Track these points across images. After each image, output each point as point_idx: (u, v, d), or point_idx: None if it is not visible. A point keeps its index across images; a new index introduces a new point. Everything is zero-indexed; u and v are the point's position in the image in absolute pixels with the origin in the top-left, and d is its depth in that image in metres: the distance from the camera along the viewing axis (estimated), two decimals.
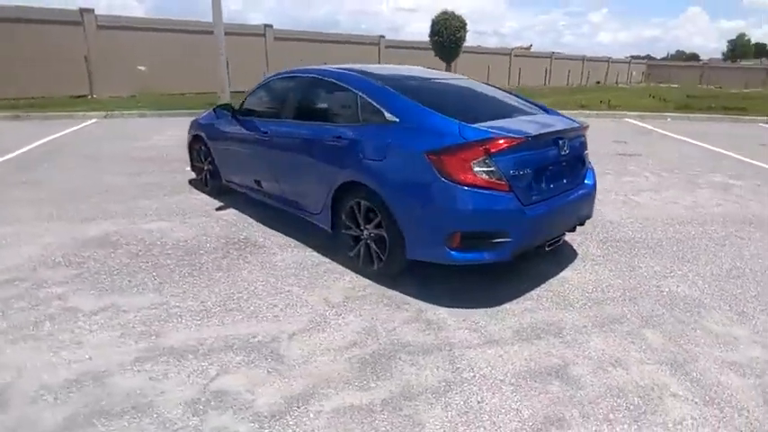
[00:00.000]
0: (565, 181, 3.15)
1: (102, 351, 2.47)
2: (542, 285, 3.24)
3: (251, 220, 4.41)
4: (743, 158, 7.65)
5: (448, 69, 20.44)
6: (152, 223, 4.30)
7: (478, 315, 2.86)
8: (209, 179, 5.15)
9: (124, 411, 2.05)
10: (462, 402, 2.15)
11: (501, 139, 2.71)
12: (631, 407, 2.15)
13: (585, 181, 3.42)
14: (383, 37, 21.34)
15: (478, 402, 2.16)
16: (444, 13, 21.14)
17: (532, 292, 3.14)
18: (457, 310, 2.90)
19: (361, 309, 2.92)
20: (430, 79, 3.79)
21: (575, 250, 3.83)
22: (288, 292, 3.11)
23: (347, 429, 1.99)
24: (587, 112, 13.78)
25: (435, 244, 2.84)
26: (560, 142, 3.03)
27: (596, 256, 3.74)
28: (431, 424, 2.03)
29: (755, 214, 4.88)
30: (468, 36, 21.43)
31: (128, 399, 2.13)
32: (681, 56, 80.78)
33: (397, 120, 3.04)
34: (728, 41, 79.80)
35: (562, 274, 3.43)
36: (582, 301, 3.07)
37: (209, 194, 5.13)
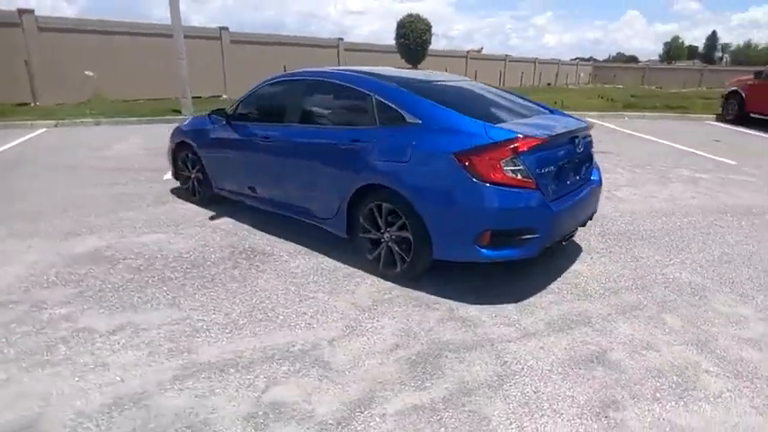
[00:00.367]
0: (578, 177, 3.29)
1: (134, 372, 2.32)
2: (558, 279, 3.36)
3: (249, 228, 4.27)
4: (703, 154, 8.20)
5: None
6: (144, 236, 4.08)
7: (508, 310, 2.92)
8: (198, 188, 4.94)
9: None
10: (519, 394, 2.20)
11: (528, 138, 2.80)
12: (673, 385, 2.28)
13: (592, 177, 3.58)
14: (342, 39, 21.20)
15: (534, 392, 2.21)
16: (410, 15, 21.35)
17: (551, 286, 3.25)
18: (486, 306, 2.96)
19: (393, 311, 2.91)
20: (435, 81, 3.82)
21: (578, 244, 3.99)
22: (313, 298, 3.05)
23: (417, 430, 1.98)
24: None
25: (465, 243, 2.88)
26: (576, 140, 3.17)
27: (599, 249, 3.92)
28: (496, 417, 2.06)
29: (727, 204, 5.28)
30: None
31: (178, 419, 2.02)
32: (621, 57, 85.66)
33: (420, 121, 3.06)
34: (664, 44, 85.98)
35: (573, 267, 3.57)
36: (600, 291, 3.21)
37: (198, 204, 4.91)
